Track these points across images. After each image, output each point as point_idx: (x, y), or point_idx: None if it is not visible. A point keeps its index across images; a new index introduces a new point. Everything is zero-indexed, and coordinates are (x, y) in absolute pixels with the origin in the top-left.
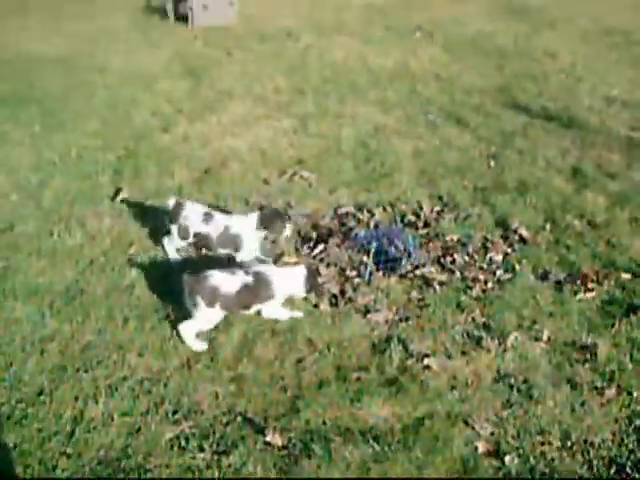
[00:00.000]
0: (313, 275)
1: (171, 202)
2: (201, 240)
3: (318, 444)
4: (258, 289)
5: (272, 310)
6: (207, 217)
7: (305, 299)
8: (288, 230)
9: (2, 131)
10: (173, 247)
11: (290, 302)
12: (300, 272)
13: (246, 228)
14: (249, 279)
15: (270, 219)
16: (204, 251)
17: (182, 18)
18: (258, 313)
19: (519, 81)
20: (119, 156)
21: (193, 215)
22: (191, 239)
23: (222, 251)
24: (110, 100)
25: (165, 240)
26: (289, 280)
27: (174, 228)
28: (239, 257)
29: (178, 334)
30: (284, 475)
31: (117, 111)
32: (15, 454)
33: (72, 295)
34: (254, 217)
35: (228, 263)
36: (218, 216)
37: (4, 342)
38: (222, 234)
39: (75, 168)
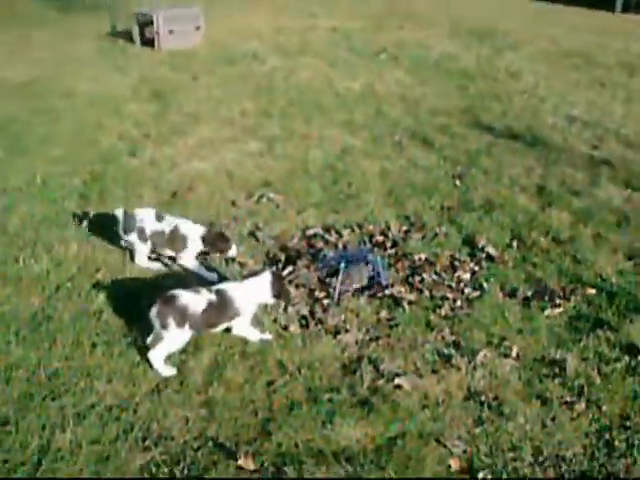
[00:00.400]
0: (278, 279)
1: (119, 212)
2: (156, 237)
3: (290, 467)
4: (223, 307)
5: (242, 327)
6: (159, 217)
7: (275, 321)
8: (233, 251)
9: None
10: (144, 256)
11: (260, 323)
12: (265, 278)
13: (193, 233)
14: (213, 297)
15: (213, 240)
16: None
17: (148, 42)
18: (228, 331)
19: (483, 101)
20: (85, 180)
21: (146, 217)
22: (149, 240)
23: (168, 251)
24: (76, 125)
25: (137, 260)
26: (254, 290)
27: (134, 237)
28: (182, 259)
29: (147, 360)
30: None
31: (83, 135)
32: None
33: (38, 322)
34: (201, 229)
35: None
36: (169, 217)
37: None
38: (172, 231)
39: (40, 193)
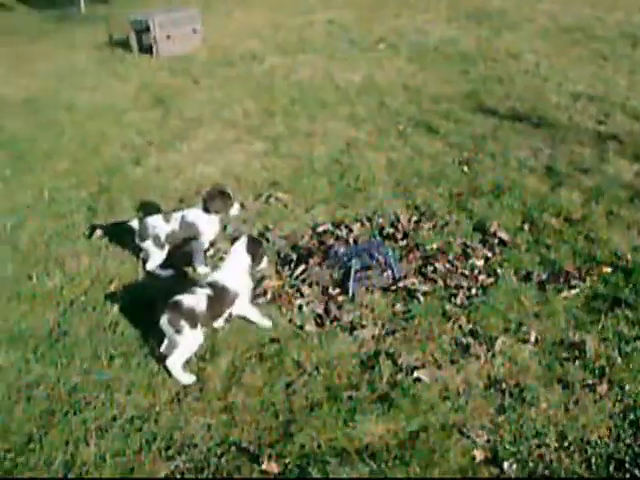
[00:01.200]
0: (253, 242)
1: (135, 223)
2: (171, 238)
3: (314, 468)
4: (221, 295)
5: (244, 307)
6: (167, 217)
7: (290, 321)
8: (236, 209)
9: None
10: (156, 265)
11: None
12: (241, 245)
13: (198, 213)
14: (209, 291)
15: (212, 199)
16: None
17: (146, 49)
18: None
19: (485, 85)
20: (92, 193)
21: (157, 222)
22: (166, 244)
23: (185, 239)
24: (79, 137)
25: (148, 266)
26: (237, 264)
27: (149, 244)
28: (202, 243)
29: (165, 368)
30: None
31: (87, 147)
32: None
33: (55, 338)
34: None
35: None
36: (174, 213)
37: None
38: (181, 223)
39: (49, 209)
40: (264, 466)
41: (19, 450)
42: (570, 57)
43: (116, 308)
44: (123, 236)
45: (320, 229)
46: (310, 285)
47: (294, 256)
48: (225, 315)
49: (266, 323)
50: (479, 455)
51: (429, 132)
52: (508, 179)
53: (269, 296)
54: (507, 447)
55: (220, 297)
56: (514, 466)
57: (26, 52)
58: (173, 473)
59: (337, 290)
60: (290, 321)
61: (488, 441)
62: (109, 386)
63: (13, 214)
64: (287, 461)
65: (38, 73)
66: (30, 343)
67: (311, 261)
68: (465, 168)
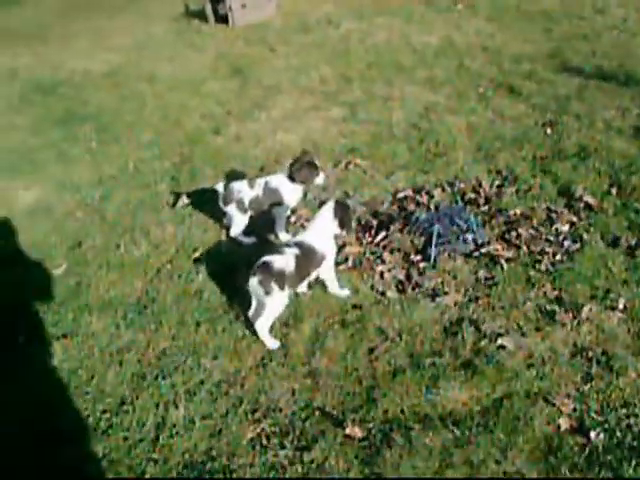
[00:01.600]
0: (341, 207)
1: (220, 187)
2: (253, 204)
3: (398, 433)
4: (309, 256)
5: (328, 271)
6: (251, 183)
7: (372, 287)
8: (321, 178)
9: (62, 150)
10: (239, 230)
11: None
12: (328, 210)
13: (282, 179)
14: (297, 251)
15: (299, 169)
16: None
17: (222, 19)
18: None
19: (569, 43)
20: (174, 163)
21: (242, 187)
22: (249, 210)
23: (268, 205)
24: (161, 108)
25: (232, 231)
26: (324, 226)
27: (233, 208)
28: (285, 210)
29: (252, 333)
30: (367, 467)
31: (168, 118)
32: (105, 463)
33: (143, 305)
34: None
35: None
36: (258, 179)
37: (85, 356)
38: (264, 189)
39: (134, 179)
40: (348, 430)
41: (113, 411)
42: None
43: (201, 275)
44: (206, 205)
45: (400, 195)
46: (391, 252)
47: (375, 223)
48: (311, 277)
49: (344, 293)
50: (564, 424)
51: (510, 94)
52: (594, 141)
53: (350, 263)
54: (594, 416)
55: (308, 257)
56: (601, 435)
57: (105, 27)
58: (259, 436)
59: (419, 256)
60: (372, 288)
61: (574, 410)
62: (196, 351)
63: (100, 185)
64: (370, 426)
65: (118, 47)
66: (120, 310)
67: (392, 227)
68: (549, 130)
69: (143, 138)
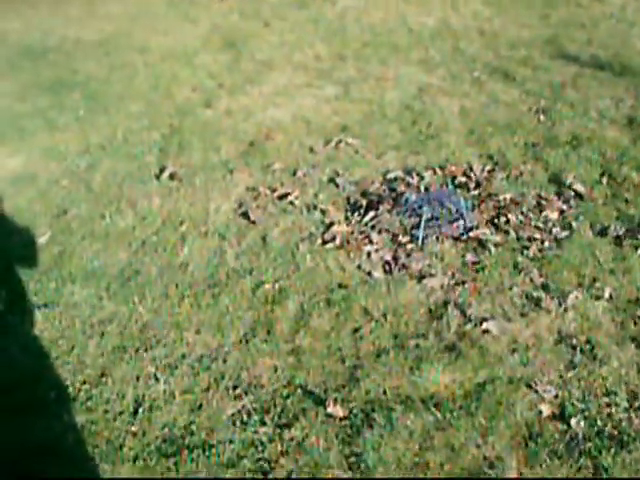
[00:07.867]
0: None
1: None
2: None
3: (379, 414)
4: None
5: None
6: None
7: (358, 267)
8: None
9: (49, 118)
10: None
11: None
12: None
13: None
14: None
15: None
16: None
17: None
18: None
19: (566, 30)
20: (163, 134)
21: None
22: None
23: None
24: (151, 79)
25: None
26: None
27: None
28: None
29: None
30: (347, 446)
31: (159, 89)
32: (85, 434)
33: (127, 276)
34: None
35: None
36: None
37: (65, 326)
38: None
39: (122, 150)
40: (329, 409)
41: (93, 383)
42: None
43: (187, 249)
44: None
45: (391, 175)
46: (379, 232)
47: (364, 202)
48: None
49: None
50: (546, 410)
51: (505, 79)
52: (587, 130)
53: (338, 241)
54: (575, 403)
55: None
56: (582, 423)
57: None
58: (240, 412)
59: (407, 238)
60: (359, 267)
61: (556, 396)
62: (179, 325)
63: (87, 154)
64: (352, 405)
65: (111, 15)
66: (103, 281)
67: (381, 208)
68: (542, 117)
69: (132, 108)
